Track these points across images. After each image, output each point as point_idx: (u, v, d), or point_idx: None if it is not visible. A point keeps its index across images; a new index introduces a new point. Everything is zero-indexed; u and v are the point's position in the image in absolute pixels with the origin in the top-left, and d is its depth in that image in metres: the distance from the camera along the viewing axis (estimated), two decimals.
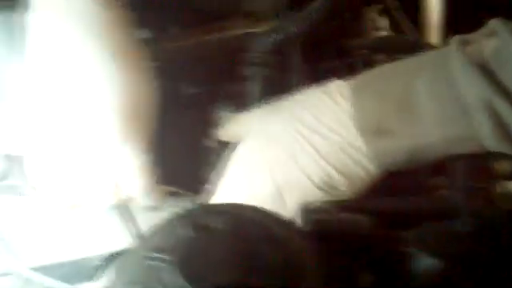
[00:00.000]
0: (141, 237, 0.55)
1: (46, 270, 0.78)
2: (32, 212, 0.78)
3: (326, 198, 0.69)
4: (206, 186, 0.81)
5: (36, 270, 0.77)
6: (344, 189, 0.69)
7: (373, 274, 0.53)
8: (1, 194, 0.79)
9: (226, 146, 0.80)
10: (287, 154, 0.70)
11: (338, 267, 0.53)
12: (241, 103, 0.85)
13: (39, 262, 0.77)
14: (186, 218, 0.52)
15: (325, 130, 0.69)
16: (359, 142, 0.68)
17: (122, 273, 0.51)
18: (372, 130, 0.68)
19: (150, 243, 0.52)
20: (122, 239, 0.78)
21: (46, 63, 0.64)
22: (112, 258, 0.80)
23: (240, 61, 0.85)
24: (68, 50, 0.63)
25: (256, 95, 0.84)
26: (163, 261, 0.48)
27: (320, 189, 0.69)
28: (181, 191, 0.79)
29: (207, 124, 0.84)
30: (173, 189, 0.78)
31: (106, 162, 0.64)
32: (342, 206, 0.63)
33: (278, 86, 0.85)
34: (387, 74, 0.72)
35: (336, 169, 0.69)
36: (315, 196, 0.69)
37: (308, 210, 0.62)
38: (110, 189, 0.66)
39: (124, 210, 0.69)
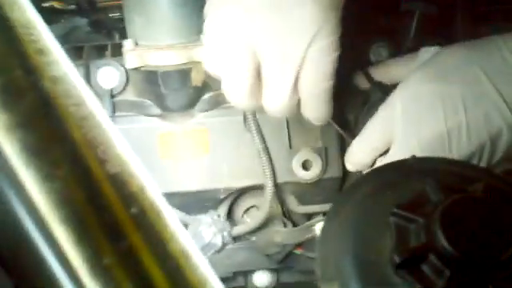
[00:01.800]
0: (357, 183, 0.51)
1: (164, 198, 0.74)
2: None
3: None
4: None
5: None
6: None
7: None
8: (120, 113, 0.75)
9: (379, 87, 0.76)
10: (465, 91, 0.65)
11: None
12: (397, 40, 0.79)
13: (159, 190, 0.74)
14: (423, 174, 0.47)
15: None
16: None
17: (344, 223, 0.48)
18: None
19: (381, 197, 0.48)
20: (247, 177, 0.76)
21: None
22: (236, 193, 0.78)
23: None
24: None
25: (415, 33, 0.78)
26: (411, 221, 0.44)
27: (496, 133, 0.64)
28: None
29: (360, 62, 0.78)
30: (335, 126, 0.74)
31: None
32: None
33: (439, 25, 0.79)
34: None
35: None
36: (490, 139, 0.65)
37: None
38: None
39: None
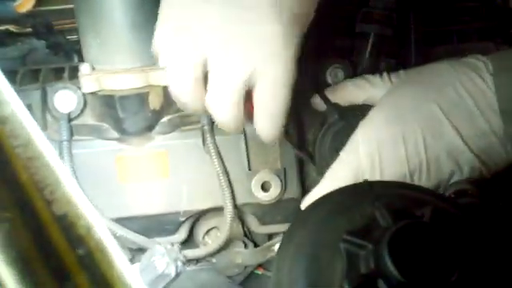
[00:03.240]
0: (312, 207, 0.52)
1: (124, 222, 0.75)
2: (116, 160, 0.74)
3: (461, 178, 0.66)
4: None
5: (115, 221, 0.74)
6: (482, 172, 0.66)
7: None
8: (78, 136, 0.74)
9: (336, 109, 0.76)
10: (424, 130, 0.66)
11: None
12: (353, 61, 0.80)
13: (118, 213, 0.74)
14: (373, 198, 0.48)
15: (468, 109, 0.66)
16: (499, 121, 0.65)
17: (298, 248, 0.49)
18: None
19: (333, 222, 0.49)
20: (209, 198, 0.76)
21: None
22: (196, 216, 0.78)
23: (356, 16, 0.80)
24: None
25: (370, 54, 0.79)
26: (361, 247, 0.45)
27: (455, 170, 0.66)
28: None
29: (317, 83, 0.79)
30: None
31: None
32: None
33: (393, 46, 0.81)
34: None
35: (476, 154, 0.65)
36: (449, 175, 0.66)
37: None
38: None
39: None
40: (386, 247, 0.42)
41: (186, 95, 0.61)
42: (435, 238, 0.45)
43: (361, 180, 0.67)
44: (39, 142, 0.31)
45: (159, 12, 0.60)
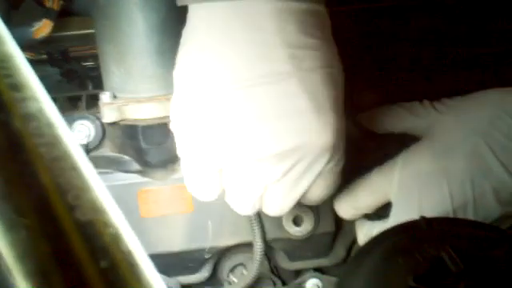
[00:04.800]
0: (363, 251, 0.47)
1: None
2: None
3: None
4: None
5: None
6: None
7: None
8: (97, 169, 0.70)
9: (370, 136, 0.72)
10: (472, 166, 0.62)
11: None
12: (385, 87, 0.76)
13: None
14: (436, 238, 0.44)
15: None
16: None
17: None
18: None
19: (392, 267, 0.44)
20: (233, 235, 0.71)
21: None
22: (220, 253, 0.73)
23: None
24: None
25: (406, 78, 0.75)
26: None
27: (503, 207, 0.61)
28: None
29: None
30: None
31: None
32: None
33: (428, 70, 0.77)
34: None
35: None
36: (497, 214, 0.62)
37: None
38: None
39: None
40: None
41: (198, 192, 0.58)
42: None
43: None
44: (67, 142, 0.28)
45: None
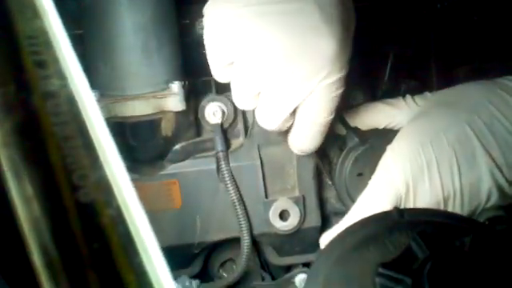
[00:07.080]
0: (337, 240, 0.48)
1: None
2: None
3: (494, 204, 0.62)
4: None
5: None
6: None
7: None
8: None
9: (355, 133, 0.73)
10: (458, 155, 0.62)
11: None
12: (371, 84, 0.77)
13: None
14: (407, 227, 0.45)
15: (501, 131, 0.62)
16: None
17: (326, 285, 0.45)
18: None
19: (363, 254, 0.45)
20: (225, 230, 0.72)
21: None
22: (211, 246, 0.74)
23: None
24: None
25: (390, 76, 0.76)
26: (398, 281, 0.41)
27: (488, 195, 0.62)
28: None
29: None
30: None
31: None
32: None
33: (413, 67, 0.78)
34: None
35: (509, 180, 0.62)
36: (483, 202, 0.62)
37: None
38: None
39: None
40: (426, 280, 0.38)
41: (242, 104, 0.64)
42: (476, 268, 0.41)
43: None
44: (85, 118, 0.27)
45: None
